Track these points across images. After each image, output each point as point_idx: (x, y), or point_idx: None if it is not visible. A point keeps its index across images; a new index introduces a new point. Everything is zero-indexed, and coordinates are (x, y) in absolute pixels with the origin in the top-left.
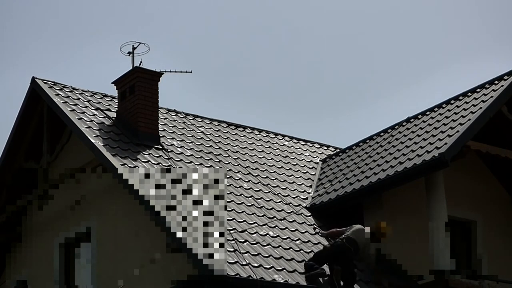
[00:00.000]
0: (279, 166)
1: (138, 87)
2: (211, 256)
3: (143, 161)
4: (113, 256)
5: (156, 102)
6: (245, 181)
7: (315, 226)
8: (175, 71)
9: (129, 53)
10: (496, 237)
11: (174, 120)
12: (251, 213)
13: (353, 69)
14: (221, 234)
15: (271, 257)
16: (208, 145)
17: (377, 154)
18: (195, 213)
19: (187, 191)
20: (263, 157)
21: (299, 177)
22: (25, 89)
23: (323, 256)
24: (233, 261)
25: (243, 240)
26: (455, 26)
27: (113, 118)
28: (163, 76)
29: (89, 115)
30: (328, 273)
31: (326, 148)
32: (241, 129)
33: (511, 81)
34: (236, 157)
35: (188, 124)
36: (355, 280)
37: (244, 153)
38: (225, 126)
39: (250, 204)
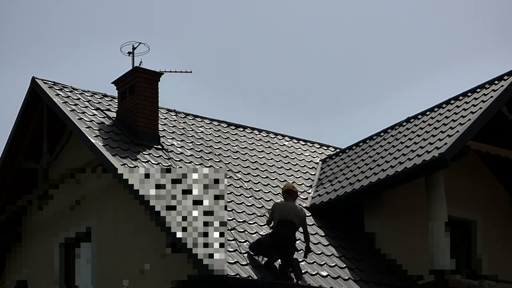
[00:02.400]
0: (279, 166)
1: (138, 87)
2: (211, 256)
3: (143, 161)
4: (113, 256)
5: (156, 102)
6: (245, 181)
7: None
8: (175, 71)
9: (129, 53)
10: (496, 237)
11: (174, 120)
12: (251, 213)
13: (353, 69)
14: (221, 234)
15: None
16: (208, 145)
17: (377, 154)
18: (195, 213)
19: (187, 191)
20: (263, 157)
21: (299, 177)
22: (25, 89)
23: (265, 245)
24: (233, 261)
25: (243, 240)
26: (455, 27)
27: (113, 118)
28: (163, 76)
29: (89, 115)
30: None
31: (326, 148)
32: (241, 129)
33: (511, 81)
34: (236, 157)
35: (188, 124)
36: (298, 263)
37: (244, 153)
38: (225, 126)
39: (250, 204)
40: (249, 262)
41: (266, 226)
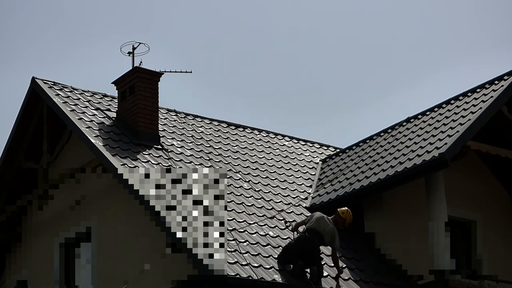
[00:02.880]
0: (279, 166)
1: (138, 87)
2: (211, 256)
3: (143, 161)
4: (113, 256)
5: (156, 102)
6: (245, 181)
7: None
8: (175, 71)
9: (129, 53)
10: (496, 237)
11: (174, 120)
12: (251, 213)
13: (353, 69)
14: (221, 234)
15: (271, 257)
16: (208, 145)
17: (377, 154)
18: (195, 213)
19: (187, 191)
20: (263, 157)
21: (299, 177)
22: (25, 89)
23: (289, 250)
24: (233, 261)
25: (243, 240)
26: (455, 27)
27: (113, 118)
28: (163, 76)
29: (89, 115)
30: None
31: (326, 148)
32: (241, 129)
33: (511, 81)
34: (236, 157)
35: (188, 124)
36: (322, 271)
37: (244, 153)
38: (225, 126)
39: (250, 204)
40: (280, 268)
41: (291, 228)
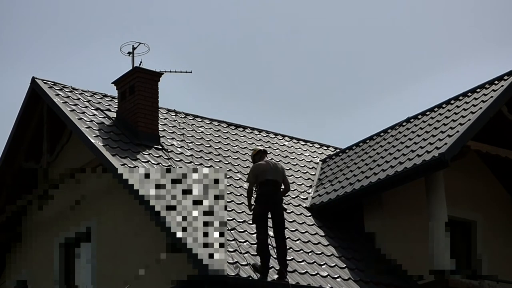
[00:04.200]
0: None
1: (138, 87)
2: (211, 256)
3: (143, 161)
4: (113, 256)
5: (156, 102)
6: (245, 181)
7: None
8: (175, 71)
9: (129, 53)
10: (496, 237)
11: (174, 120)
12: (251, 213)
13: (353, 69)
14: (221, 234)
15: (271, 257)
16: (208, 145)
17: (377, 154)
18: (195, 213)
19: (187, 191)
20: None
21: (299, 177)
22: (25, 89)
23: (257, 219)
24: (233, 261)
25: (243, 240)
26: (455, 26)
27: (113, 118)
28: (163, 76)
29: (89, 115)
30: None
31: (326, 148)
32: (241, 129)
33: (511, 81)
34: (236, 157)
35: (188, 124)
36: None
37: (244, 153)
38: (225, 126)
39: None
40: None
41: (248, 193)
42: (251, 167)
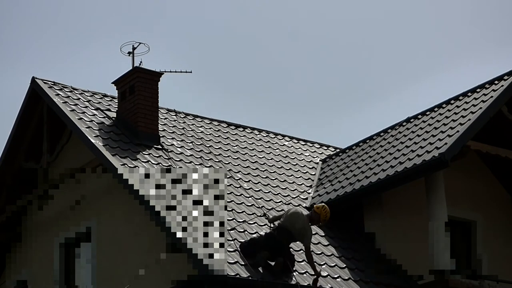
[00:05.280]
0: (279, 166)
1: (138, 87)
2: (211, 256)
3: (143, 161)
4: (113, 256)
5: (156, 102)
6: (245, 181)
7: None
8: (175, 71)
9: (129, 53)
10: (496, 237)
11: (174, 120)
12: (251, 213)
13: (353, 69)
14: (221, 234)
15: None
16: (208, 145)
17: (377, 154)
18: (195, 213)
19: (187, 191)
20: (263, 157)
21: (299, 177)
22: (25, 89)
23: (255, 242)
24: (233, 261)
25: (243, 240)
26: (455, 27)
27: (113, 118)
28: (163, 76)
29: (89, 115)
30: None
31: (326, 148)
32: (241, 129)
33: (511, 81)
34: (236, 157)
35: (188, 124)
36: (290, 263)
37: (244, 153)
38: (225, 126)
39: (250, 204)
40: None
41: (268, 220)
42: (306, 222)
